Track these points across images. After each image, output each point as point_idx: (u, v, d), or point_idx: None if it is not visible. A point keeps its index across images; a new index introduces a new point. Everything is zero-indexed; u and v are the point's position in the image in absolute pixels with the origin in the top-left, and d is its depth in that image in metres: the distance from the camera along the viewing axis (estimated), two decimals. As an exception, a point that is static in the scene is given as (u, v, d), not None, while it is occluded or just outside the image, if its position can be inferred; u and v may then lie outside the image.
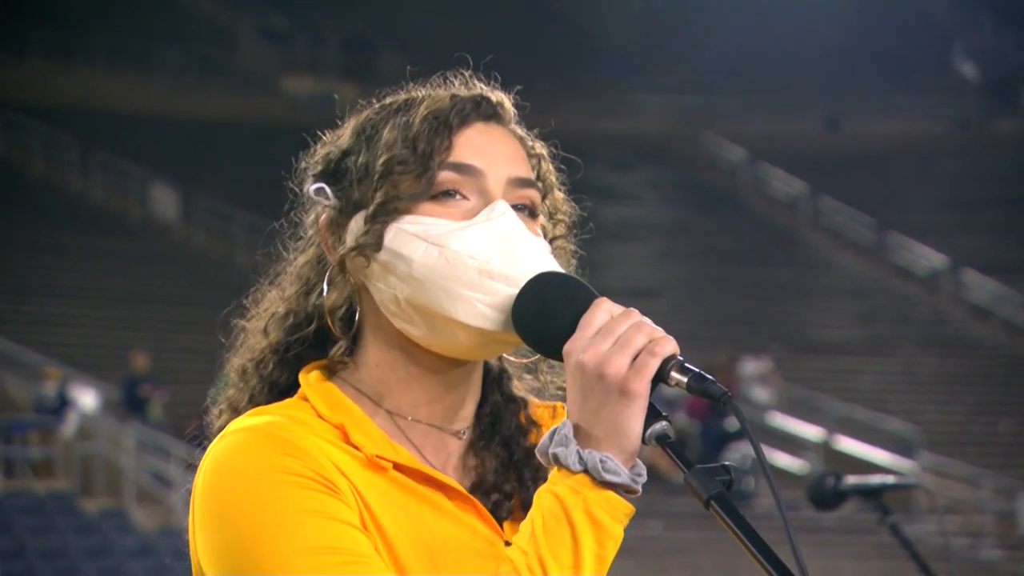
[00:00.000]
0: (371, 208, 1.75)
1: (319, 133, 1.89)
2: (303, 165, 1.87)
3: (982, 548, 18.26)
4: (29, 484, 17.60)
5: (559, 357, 1.68)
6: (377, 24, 36.00)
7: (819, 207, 30.87)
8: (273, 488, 1.67)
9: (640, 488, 1.66)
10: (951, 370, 24.75)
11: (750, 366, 21.42)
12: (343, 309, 1.80)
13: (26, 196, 26.62)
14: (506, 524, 1.79)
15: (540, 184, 1.83)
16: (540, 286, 1.70)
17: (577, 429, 1.65)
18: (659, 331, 1.65)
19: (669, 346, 1.64)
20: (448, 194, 1.74)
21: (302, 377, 1.80)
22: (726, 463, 1.65)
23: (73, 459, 17.88)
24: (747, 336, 23.34)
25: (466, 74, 1.85)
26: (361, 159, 1.78)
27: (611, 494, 1.64)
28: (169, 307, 23.21)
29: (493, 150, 1.77)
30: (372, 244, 1.74)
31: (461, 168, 1.75)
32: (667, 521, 16.79)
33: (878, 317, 26.61)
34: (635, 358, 1.63)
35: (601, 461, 1.63)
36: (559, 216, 1.87)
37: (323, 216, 1.81)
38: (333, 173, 1.81)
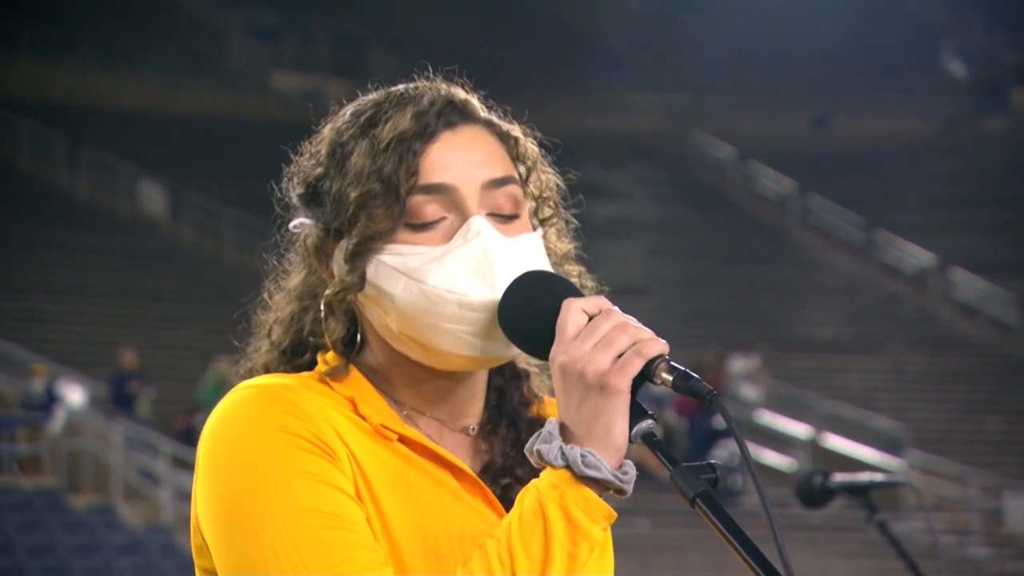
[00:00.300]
0: (350, 247, 1.75)
1: (301, 139, 1.88)
2: (287, 176, 1.86)
3: (969, 546, 18.29)
4: (16, 480, 17.57)
5: (543, 355, 1.69)
6: (367, 21, 35.97)
7: (808, 205, 30.90)
8: (270, 446, 1.68)
9: (629, 488, 1.65)
10: (939, 368, 24.78)
11: (738, 364, 21.44)
12: (342, 334, 1.81)
13: (14, 192, 26.56)
14: None
15: (520, 168, 1.81)
16: (524, 287, 1.70)
17: (563, 428, 1.65)
18: (645, 331, 1.65)
19: (656, 347, 1.63)
20: (423, 222, 1.74)
21: (320, 357, 1.82)
22: (712, 461, 1.65)
23: (61, 455, 17.85)
24: (735, 334, 23.36)
25: (429, 72, 1.83)
26: (334, 187, 1.77)
27: (590, 493, 1.63)
28: (157, 304, 23.18)
29: (463, 158, 1.75)
30: (356, 284, 1.75)
31: (431, 189, 1.73)
32: (655, 518, 16.81)
33: (866, 315, 26.64)
34: (619, 357, 1.63)
35: (582, 456, 1.62)
36: (546, 194, 1.85)
37: (310, 240, 1.81)
38: (313, 197, 1.81)
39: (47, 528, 16.05)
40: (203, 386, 18.42)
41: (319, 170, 1.80)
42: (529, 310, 1.69)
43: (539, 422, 1.84)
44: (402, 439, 1.75)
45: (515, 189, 1.78)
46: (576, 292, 1.70)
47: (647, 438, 1.65)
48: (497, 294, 1.71)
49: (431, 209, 1.73)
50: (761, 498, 1.62)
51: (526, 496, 1.65)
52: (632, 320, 1.66)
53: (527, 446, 1.68)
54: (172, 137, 29.56)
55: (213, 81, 33.13)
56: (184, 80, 32.55)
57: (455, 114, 1.77)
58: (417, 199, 1.73)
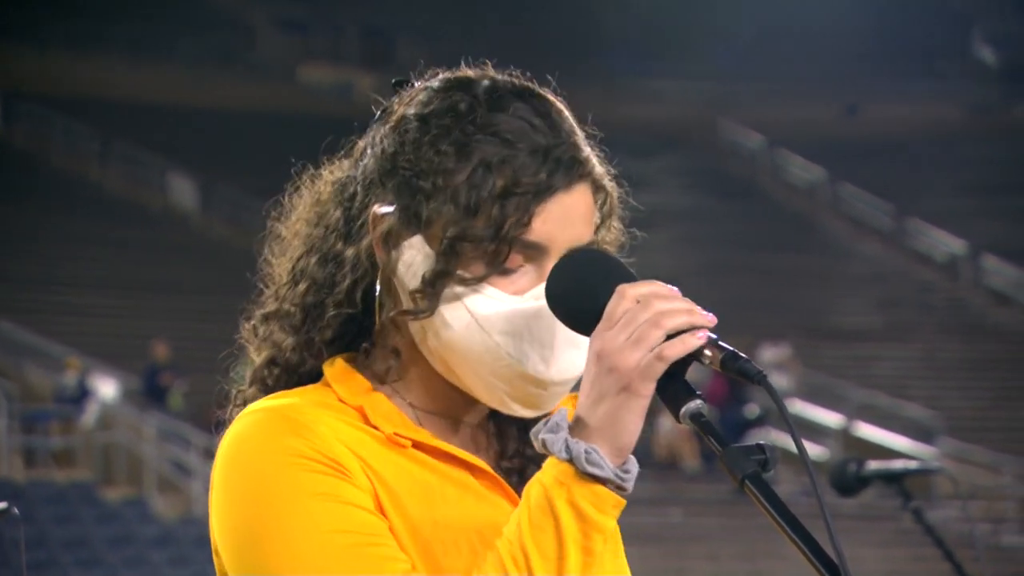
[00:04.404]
0: (430, 274, 1.69)
1: (373, 109, 1.81)
2: (378, 126, 1.78)
3: (1003, 534, 18.23)
4: (50, 473, 17.67)
5: (589, 334, 1.67)
6: (394, 13, 36.00)
7: (838, 193, 30.80)
8: (281, 471, 1.66)
9: (630, 487, 1.63)
10: (971, 356, 24.68)
11: (769, 353, 21.38)
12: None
13: (46, 186, 26.68)
14: None
15: (596, 217, 1.76)
16: (577, 265, 1.69)
17: (576, 418, 1.64)
18: (679, 322, 1.61)
19: (679, 348, 1.60)
20: (507, 268, 1.69)
21: (326, 367, 1.79)
22: (761, 442, 1.61)
23: (94, 448, 17.94)
24: (766, 323, 23.30)
25: (549, 95, 1.76)
26: (429, 186, 1.70)
27: (597, 486, 1.61)
28: (189, 296, 23.25)
29: (566, 223, 1.70)
30: (427, 311, 1.70)
31: (530, 246, 1.69)
32: (687, 508, 16.79)
33: (898, 303, 26.55)
34: (651, 352, 1.61)
35: (586, 452, 1.60)
36: (608, 247, 1.80)
37: (382, 225, 1.74)
38: (396, 178, 1.74)
39: (81, 521, 16.13)
40: (238, 370, 18.47)
41: (411, 153, 1.73)
42: (581, 290, 1.67)
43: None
44: (416, 444, 1.73)
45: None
46: (629, 275, 1.68)
47: (695, 418, 1.61)
48: (550, 375, 1.69)
49: (518, 259, 1.70)
50: (811, 480, 1.60)
51: (532, 492, 1.63)
52: (678, 304, 1.63)
53: (533, 430, 1.66)
54: (202, 130, 29.64)
55: (243, 74, 33.22)
56: (214, 73, 32.63)
57: (575, 170, 1.72)
58: (514, 254, 1.69)
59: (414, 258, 1.72)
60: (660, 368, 1.60)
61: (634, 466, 1.63)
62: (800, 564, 1.60)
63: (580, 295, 1.67)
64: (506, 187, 1.68)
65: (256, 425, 1.71)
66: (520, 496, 1.74)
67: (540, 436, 1.64)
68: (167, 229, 26.50)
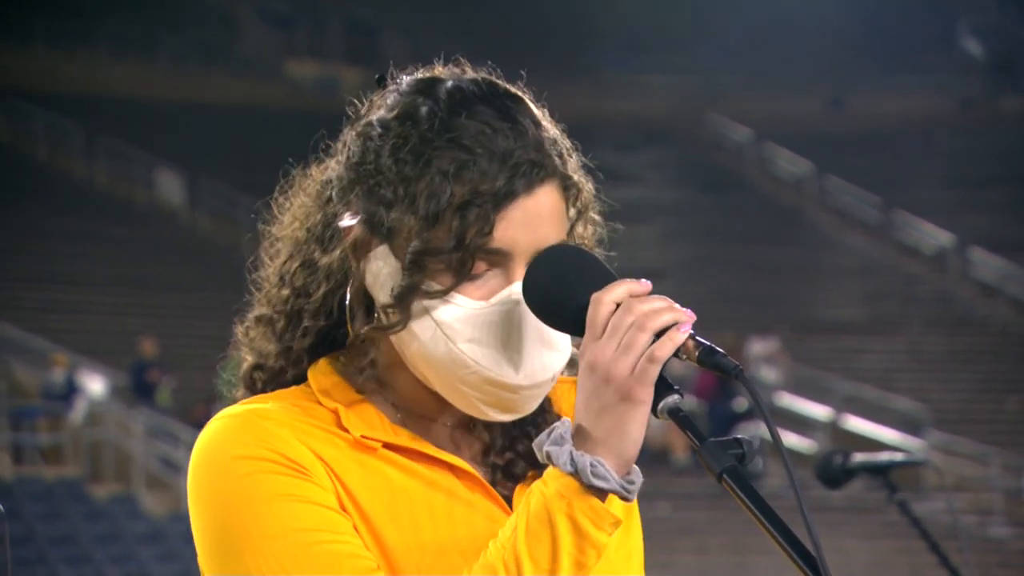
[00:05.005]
0: (398, 289, 1.69)
1: (351, 111, 1.78)
2: (353, 131, 1.76)
3: (991, 526, 18.27)
4: (38, 470, 17.64)
5: (566, 330, 1.68)
6: (379, 7, 35.96)
7: (825, 186, 30.82)
8: (243, 476, 1.68)
9: (633, 497, 1.63)
10: (958, 348, 24.73)
11: (757, 346, 21.41)
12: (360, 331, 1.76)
13: (31, 182, 26.63)
14: (519, 487, 1.76)
15: (571, 212, 1.75)
16: (551, 261, 1.68)
17: (578, 429, 1.63)
18: (664, 320, 1.61)
19: (668, 346, 1.60)
20: (471, 275, 1.68)
21: (310, 370, 1.79)
22: (739, 436, 1.62)
23: (82, 445, 17.91)
24: (754, 316, 23.33)
25: (519, 92, 1.74)
26: (391, 193, 1.69)
27: (597, 503, 1.61)
28: (176, 292, 23.23)
29: (530, 227, 1.68)
30: (397, 325, 1.70)
31: (493, 253, 1.68)
32: (675, 502, 16.81)
33: (885, 296, 26.58)
34: (642, 356, 1.61)
35: (592, 465, 1.60)
36: (586, 242, 1.78)
37: (352, 235, 1.73)
38: (356, 179, 1.73)
39: (69, 518, 16.11)
40: (222, 374, 18.46)
41: (373, 161, 1.71)
42: (555, 286, 1.67)
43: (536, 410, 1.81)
44: (387, 446, 1.73)
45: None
46: (606, 273, 1.68)
47: (673, 413, 1.62)
48: (517, 378, 1.69)
49: (482, 266, 1.69)
50: (788, 473, 1.60)
51: (532, 501, 1.63)
52: (658, 303, 1.62)
53: (536, 441, 1.66)
54: (188, 126, 29.59)
55: (228, 69, 33.18)
56: (199, 69, 32.59)
57: (538, 172, 1.69)
58: (478, 262, 1.69)
59: (381, 269, 1.72)
60: (654, 371, 1.61)
61: (638, 476, 1.64)
62: (787, 559, 1.60)
63: (554, 291, 1.66)
64: (465, 196, 1.66)
65: (220, 432, 1.72)
66: (501, 495, 1.75)
67: (544, 448, 1.64)
68: (154, 225, 26.47)
